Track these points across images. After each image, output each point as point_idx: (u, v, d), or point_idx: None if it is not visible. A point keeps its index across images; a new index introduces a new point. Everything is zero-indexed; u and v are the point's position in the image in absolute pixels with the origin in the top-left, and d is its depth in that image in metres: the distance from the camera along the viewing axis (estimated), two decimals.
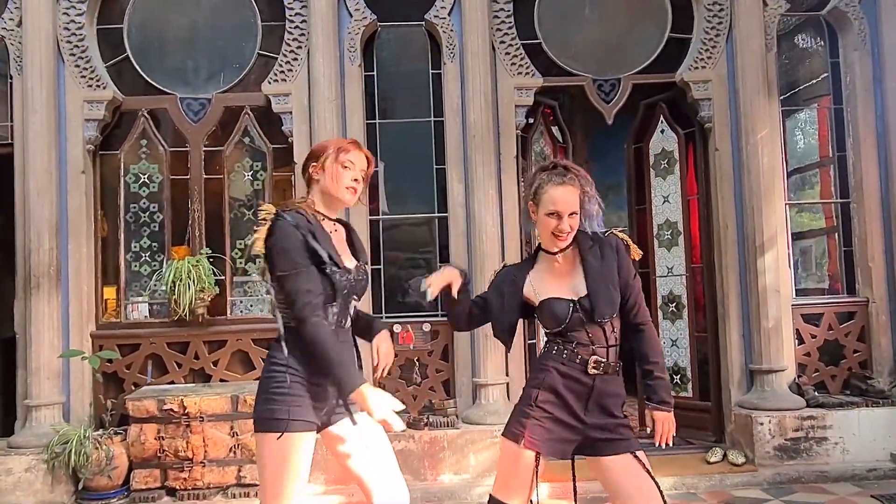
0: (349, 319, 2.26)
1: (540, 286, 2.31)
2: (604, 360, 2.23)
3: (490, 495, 2.31)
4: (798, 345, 4.78)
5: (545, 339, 2.41)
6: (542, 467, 2.22)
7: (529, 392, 2.27)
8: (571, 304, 2.24)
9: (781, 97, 4.98)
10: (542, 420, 2.21)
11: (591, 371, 2.22)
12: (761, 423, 4.43)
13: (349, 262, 2.23)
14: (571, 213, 2.23)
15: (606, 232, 2.33)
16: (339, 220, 2.33)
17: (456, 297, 2.29)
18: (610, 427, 2.22)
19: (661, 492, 2.18)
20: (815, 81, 5.21)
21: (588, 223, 2.30)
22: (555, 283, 2.30)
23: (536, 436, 2.19)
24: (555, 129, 5.44)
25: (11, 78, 4.62)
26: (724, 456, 4.53)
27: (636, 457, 2.19)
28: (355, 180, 2.23)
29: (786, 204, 4.86)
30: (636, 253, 2.35)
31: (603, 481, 2.25)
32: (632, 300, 2.29)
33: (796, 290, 4.90)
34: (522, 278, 2.34)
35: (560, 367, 2.24)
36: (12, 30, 4.58)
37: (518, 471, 2.21)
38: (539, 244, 2.38)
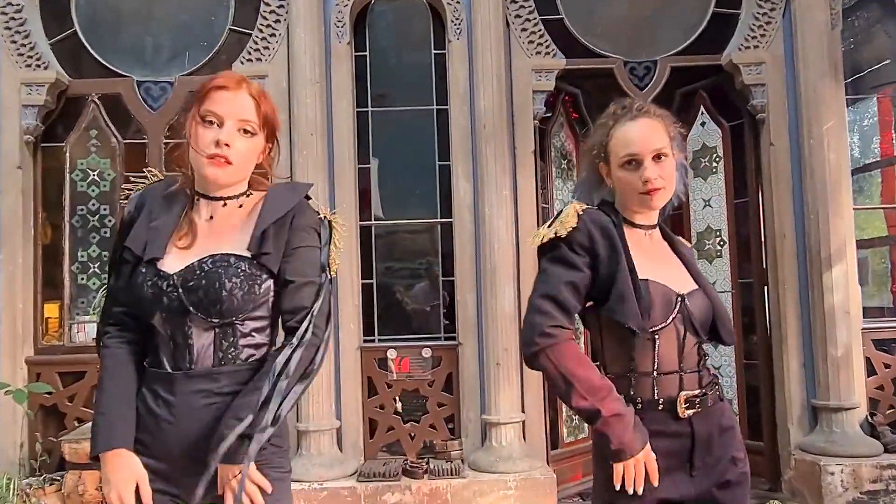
0: (210, 356, 1.44)
1: (637, 259, 1.53)
2: (697, 391, 1.51)
3: None
4: (869, 376, 4.06)
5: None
6: None
7: (603, 473, 1.48)
8: (679, 299, 1.52)
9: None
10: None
11: (684, 413, 1.49)
12: (832, 473, 3.70)
13: (178, 260, 1.44)
14: (658, 155, 1.53)
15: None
16: (244, 195, 1.51)
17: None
18: (726, 481, 1.53)
19: None
20: (878, 66, 4.50)
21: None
22: (652, 264, 1.54)
23: None
24: (575, 124, 4.75)
25: None
26: None
27: None
28: (221, 143, 1.41)
29: (853, 209, 4.13)
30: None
31: None
32: None
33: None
34: (622, 235, 1.54)
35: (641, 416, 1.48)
36: None
37: None
38: (611, 203, 1.62)
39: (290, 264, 1.45)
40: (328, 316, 1.47)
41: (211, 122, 1.42)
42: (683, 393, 1.49)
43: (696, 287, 1.56)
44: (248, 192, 1.50)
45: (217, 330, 1.43)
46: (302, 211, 1.49)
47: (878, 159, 4.69)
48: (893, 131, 4.57)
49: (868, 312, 4.39)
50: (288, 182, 1.67)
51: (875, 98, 4.62)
